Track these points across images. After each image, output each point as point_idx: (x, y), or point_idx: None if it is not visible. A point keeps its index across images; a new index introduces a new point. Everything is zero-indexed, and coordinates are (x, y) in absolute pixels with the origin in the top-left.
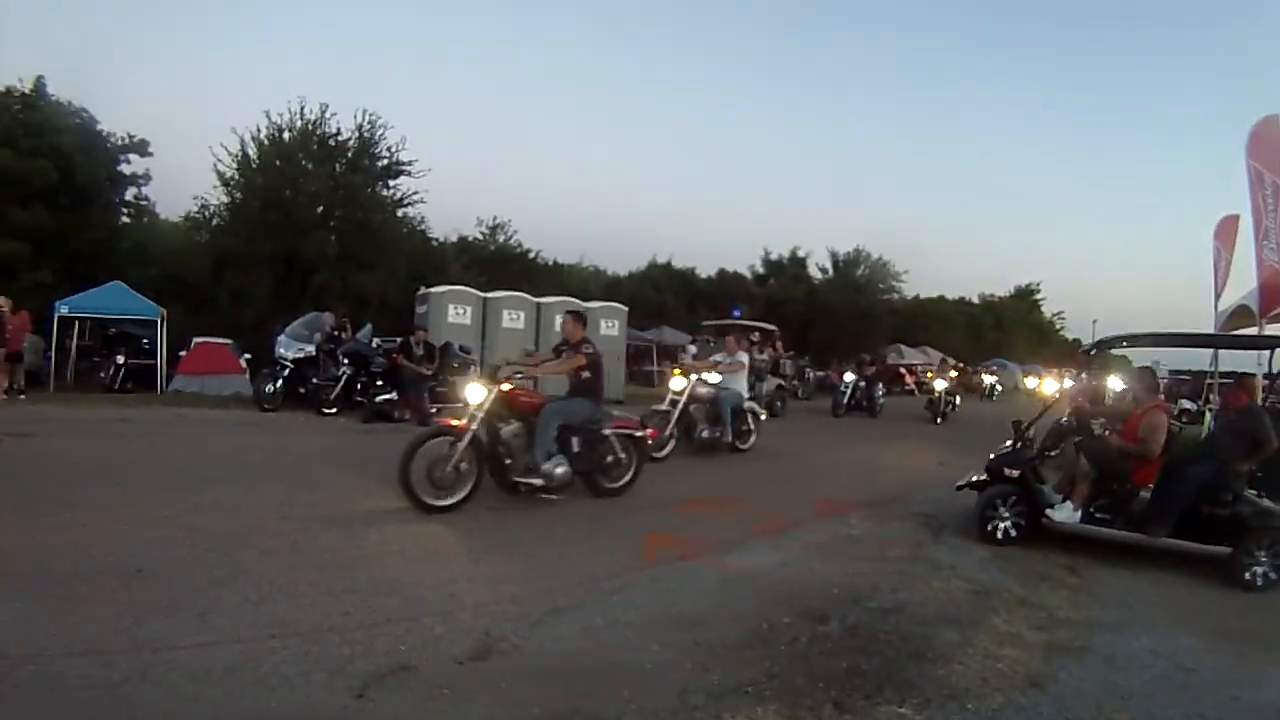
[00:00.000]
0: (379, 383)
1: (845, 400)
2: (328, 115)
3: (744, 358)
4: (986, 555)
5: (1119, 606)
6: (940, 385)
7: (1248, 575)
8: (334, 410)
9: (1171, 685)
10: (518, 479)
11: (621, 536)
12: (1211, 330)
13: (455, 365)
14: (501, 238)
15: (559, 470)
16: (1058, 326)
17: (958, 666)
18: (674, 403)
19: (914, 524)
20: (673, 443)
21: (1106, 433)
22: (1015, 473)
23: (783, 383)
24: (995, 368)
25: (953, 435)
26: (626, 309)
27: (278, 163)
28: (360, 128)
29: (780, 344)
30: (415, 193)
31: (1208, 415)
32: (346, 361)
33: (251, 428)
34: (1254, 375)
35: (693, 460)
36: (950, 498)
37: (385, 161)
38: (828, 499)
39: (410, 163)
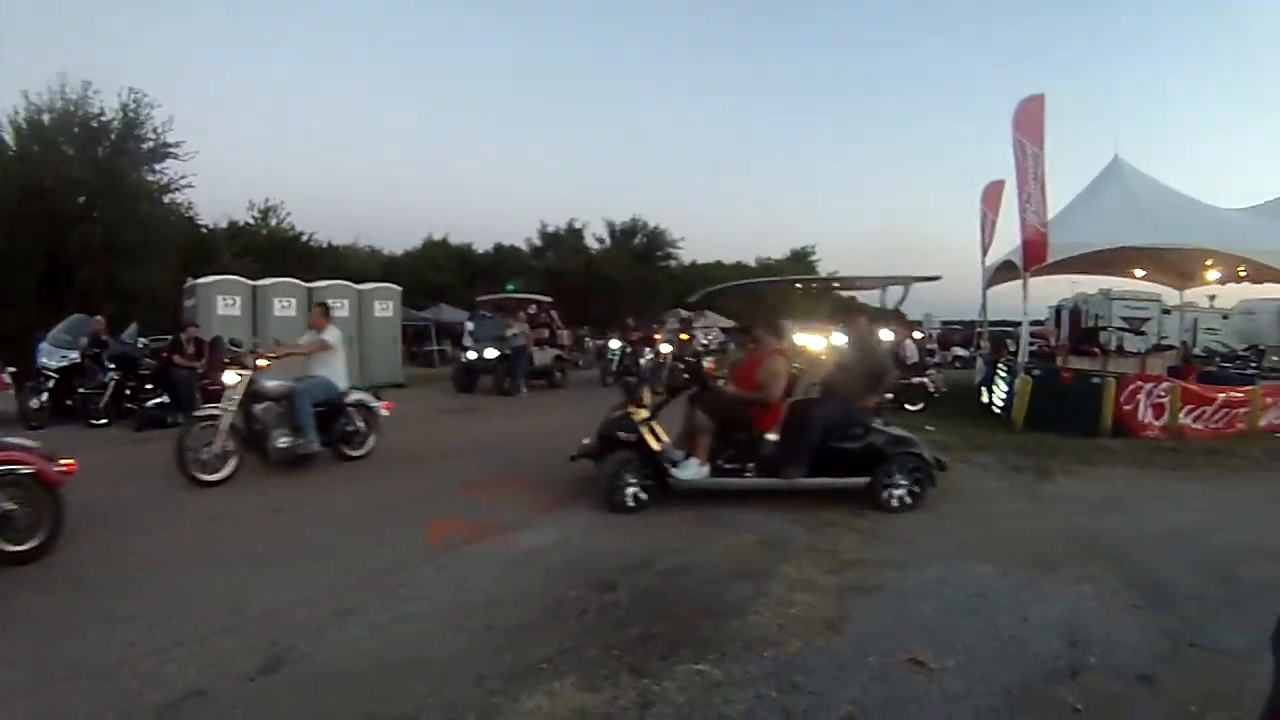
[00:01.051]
0: (149, 386)
1: (614, 367)
2: (90, 94)
3: (332, 335)
4: (772, 506)
5: (907, 544)
6: (665, 349)
7: (893, 502)
8: (104, 421)
9: (964, 612)
10: None
11: (405, 526)
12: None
13: (226, 360)
14: (274, 221)
15: None
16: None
17: (752, 618)
18: (230, 404)
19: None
20: (234, 461)
21: (720, 383)
22: (631, 436)
23: (561, 353)
24: None
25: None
26: (400, 289)
27: (36, 148)
28: (125, 107)
29: (557, 315)
30: (183, 177)
31: (979, 361)
32: (113, 366)
33: None
34: (863, 314)
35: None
36: None
37: (151, 143)
38: None
39: (178, 144)
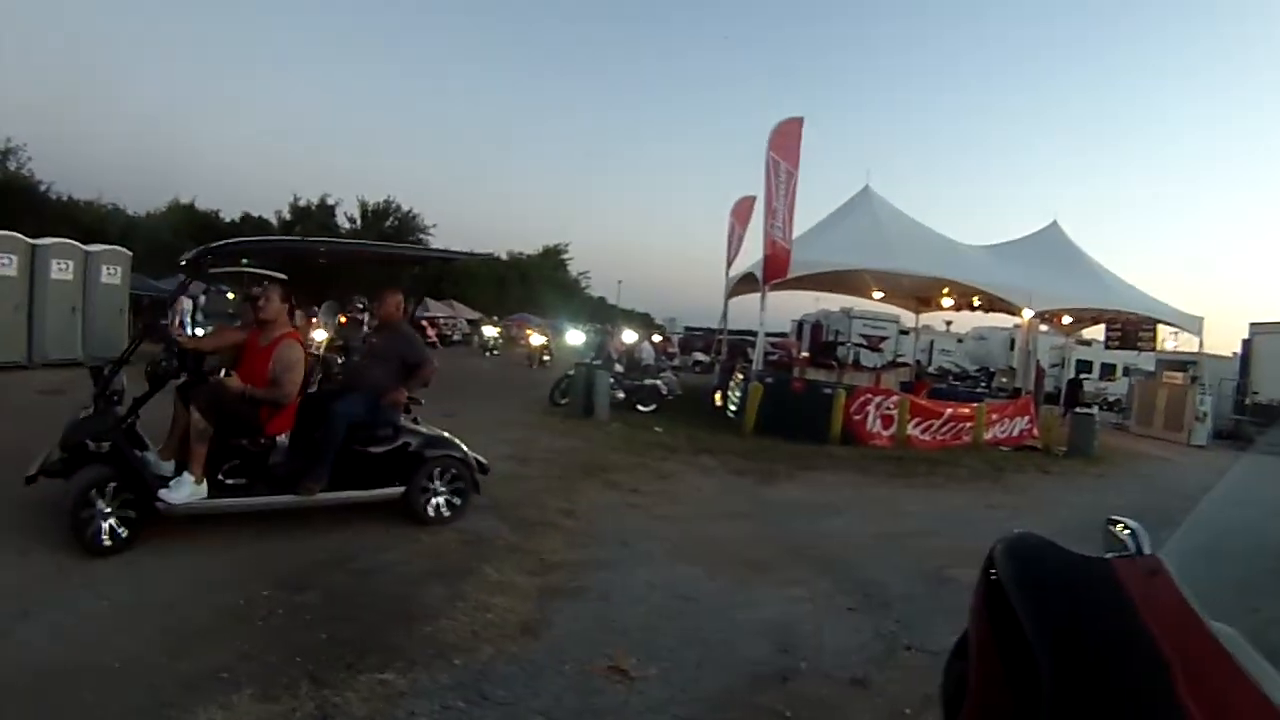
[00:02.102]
0: None
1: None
2: None
3: None
4: (482, 503)
5: (619, 545)
6: (319, 337)
7: (431, 511)
8: None
9: (669, 614)
10: None
11: None
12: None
13: None
14: (13, 165)
15: None
16: (584, 285)
17: (445, 622)
18: None
19: None
20: None
21: (224, 374)
22: (104, 445)
23: None
24: (520, 322)
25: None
26: (130, 254)
27: None
28: None
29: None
30: None
31: (718, 366)
32: None
33: None
34: (397, 292)
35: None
36: None
37: None
38: None
39: None
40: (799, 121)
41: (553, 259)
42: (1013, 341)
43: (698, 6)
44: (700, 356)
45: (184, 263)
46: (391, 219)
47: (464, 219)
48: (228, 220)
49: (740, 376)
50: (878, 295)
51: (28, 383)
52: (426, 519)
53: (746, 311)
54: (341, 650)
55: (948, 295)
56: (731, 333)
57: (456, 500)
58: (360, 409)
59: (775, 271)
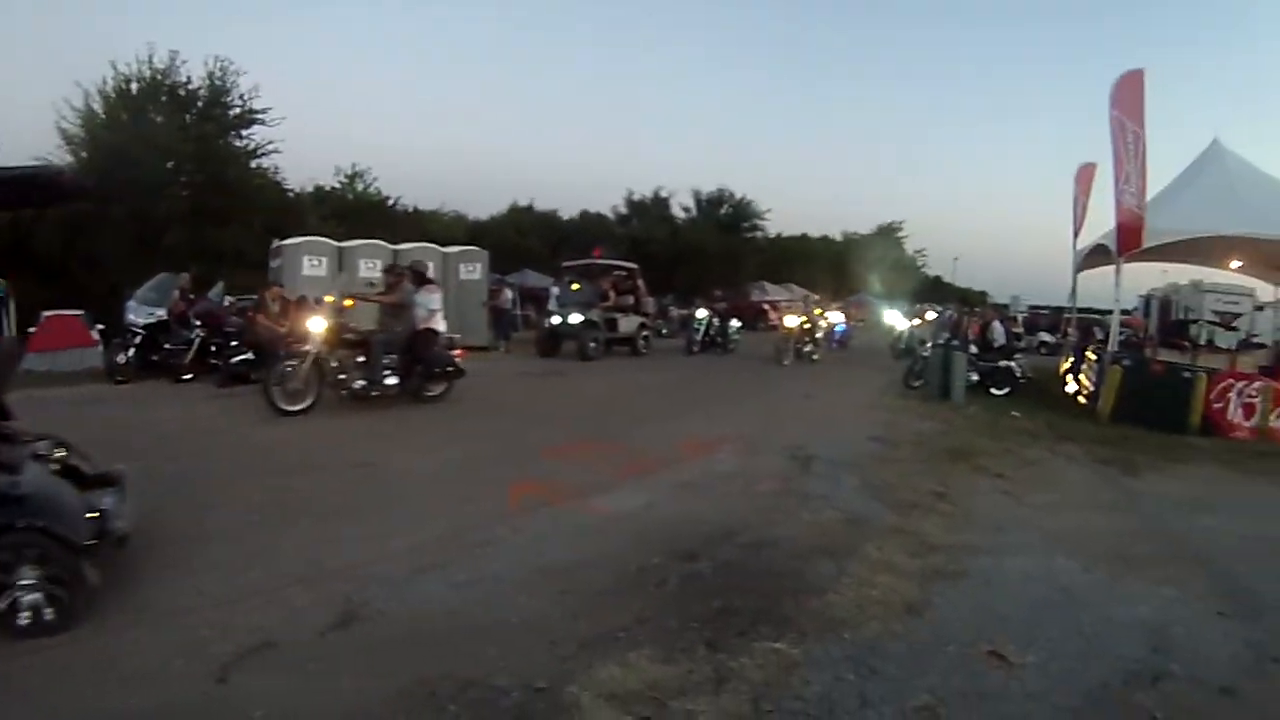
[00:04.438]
0: (234, 344)
1: (699, 337)
2: (177, 63)
3: None
4: (858, 484)
5: (994, 530)
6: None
7: (22, 618)
8: (190, 376)
9: (1047, 604)
10: None
11: (483, 486)
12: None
13: None
14: (360, 186)
15: None
16: (919, 263)
17: (833, 597)
18: None
19: (782, 457)
20: None
21: None
22: None
23: (645, 321)
24: (859, 303)
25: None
26: (487, 253)
27: (124, 116)
28: (211, 75)
29: (642, 283)
30: (270, 142)
31: (1065, 347)
32: (199, 324)
33: (102, 404)
34: None
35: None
36: (819, 429)
37: (238, 110)
38: (693, 437)
39: (264, 111)
40: (1140, 75)
41: (888, 237)
42: None
43: None
44: (1046, 337)
45: None
46: (726, 206)
47: (799, 203)
48: (566, 218)
49: (1094, 358)
50: (1235, 265)
51: None
52: (15, 629)
53: (1089, 288)
54: (735, 618)
55: None
56: (1079, 310)
57: (59, 592)
58: None
59: (1129, 241)
